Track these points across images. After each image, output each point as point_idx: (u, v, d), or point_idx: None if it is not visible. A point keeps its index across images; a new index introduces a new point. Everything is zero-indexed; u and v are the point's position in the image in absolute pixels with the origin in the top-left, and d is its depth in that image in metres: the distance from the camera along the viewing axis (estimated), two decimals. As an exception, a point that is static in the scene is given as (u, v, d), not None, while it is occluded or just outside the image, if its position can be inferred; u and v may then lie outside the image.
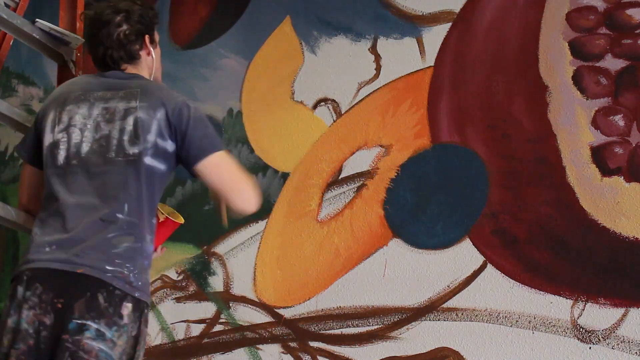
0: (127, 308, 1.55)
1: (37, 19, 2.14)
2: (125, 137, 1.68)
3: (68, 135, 1.72)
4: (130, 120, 1.68)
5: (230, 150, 2.49)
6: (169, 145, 1.69)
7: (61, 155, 1.71)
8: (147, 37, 1.84)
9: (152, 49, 1.86)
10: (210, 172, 1.70)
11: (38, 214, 1.70)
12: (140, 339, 1.59)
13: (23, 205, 1.88)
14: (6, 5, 2.17)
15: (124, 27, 1.80)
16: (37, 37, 2.12)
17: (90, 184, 1.66)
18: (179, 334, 2.39)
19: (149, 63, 1.87)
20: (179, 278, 2.47)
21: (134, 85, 1.76)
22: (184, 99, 1.75)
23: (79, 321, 1.51)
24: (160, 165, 1.68)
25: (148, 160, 1.66)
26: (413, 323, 1.95)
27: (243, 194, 1.71)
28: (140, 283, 1.58)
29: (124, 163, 1.66)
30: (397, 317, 1.99)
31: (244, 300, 2.25)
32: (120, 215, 1.61)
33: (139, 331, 1.58)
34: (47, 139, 1.74)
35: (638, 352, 1.64)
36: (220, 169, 1.70)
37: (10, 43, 2.24)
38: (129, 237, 1.60)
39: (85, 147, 1.69)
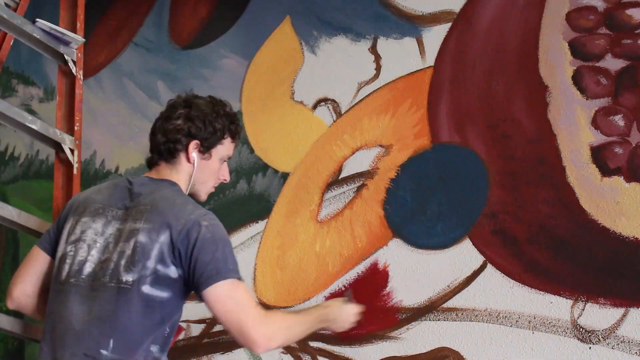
0: None
1: (37, 19, 2.14)
2: (122, 262, 1.53)
3: (75, 250, 1.59)
4: (130, 244, 1.54)
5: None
6: (172, 272, 1.53)
7: (64, 270, 1.58)
8: (194, 142, 1.67)
9: (195, 157, 1.68)
10: (211, 305, 1.52)
11: (41, 341, 1.58)
12: None
13: (12, 298, 1.69)
14: (6, 5, 2.18)
15: (179, 122, 1.67)
16: (38, 37, 2.12)
17: (80, 309, 1.53)
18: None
19: (189, 171, 1.70)
20: (179, 278, 2.47)
21: (147, 200, 1.60)
22: (197, 215, 1.56)
23: None
24: (162, 294, 1.52)
25: (146, 288, 1.50)
26: (413, 323, 1.95)
27: (244, 335, 1.49)
28: None
29: (115, 290, 1.51)
30: (397, 317, 1.99)
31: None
32: (104, 352, 1.47)
33: None
34: (60, 250, 1.62)
35: (638, 352, 1.64)
36: (221, 304, 1.51)
37: (11, 43, 2.24)
38: None
39: (87, 268, 1.56)
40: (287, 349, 2.15)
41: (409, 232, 2.03)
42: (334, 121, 2.30)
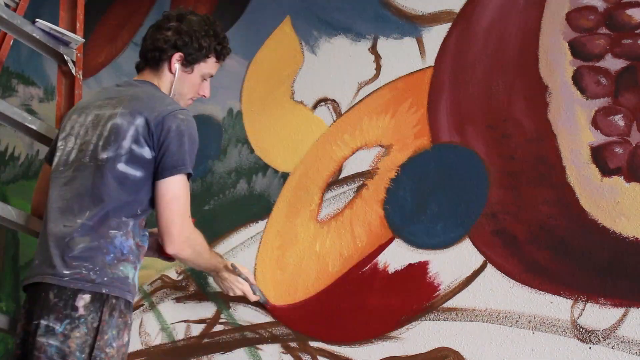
0: (82, 300, 1.55)
1: (37, 19, 2.14)
2: (100, 142, 1.67)
3: (65, 143, 1.75)
4: (108, 126, 1.68)
5: (226, 151, 2.49)
6: (146, 152, 1.65)
7: (55, 162, 1.75)
8: (178, 54, 1.78)
9: (177, 68, 1.79)
10: (159, 195, 1.65)
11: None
12: (104, 329, 1.56)
13: (34, 209, 1.94)
14: (6, 5, 2.18)
15: (168, 33, 1.79)
16: (37, 37, 2.13)
17: (65, 188, 1.67)
18: (179, 334, 2.39)
19: (170, 80, 1.81)
20: (179, 278, 2.47)
21: (129, 92, 1.75)
22: (174, 108, 1.70)
23: (35, 322, 1.56)
24: (135, 172, 1.65)
25: (121, 166, 1.64)
26: (413, 323, 1.95)
27: (168, 231, 1.66)
28: (106, 278, 1.58)
29: (93, 168, 1.65)
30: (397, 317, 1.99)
31: (244, 300, 2.25)
32: (79, 220, 1.61)
33: (100, 321, 1.56)
34: (58, 147, 1.79)
35: (638, 352, 1.63)
36: (166, 200, 1.65)
37: (11, 43, 2.24)
38: (84, 237, 1.59)
39: (72, 155, 1.72)
40: (287, 349, 2.15)
41: (409, 232, 2.03)
42: (334, 121, 2.30)
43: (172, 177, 1.65)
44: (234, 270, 2.02)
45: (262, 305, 2.19)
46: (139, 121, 1.66)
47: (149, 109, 1.68)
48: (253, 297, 2.10)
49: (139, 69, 1.86)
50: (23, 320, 1.61)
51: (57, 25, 2.23)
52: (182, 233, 1.68)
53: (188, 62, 1.81)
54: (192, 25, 1.79)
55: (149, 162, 1.66)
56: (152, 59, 1.81)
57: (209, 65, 1.86)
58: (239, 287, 2.04)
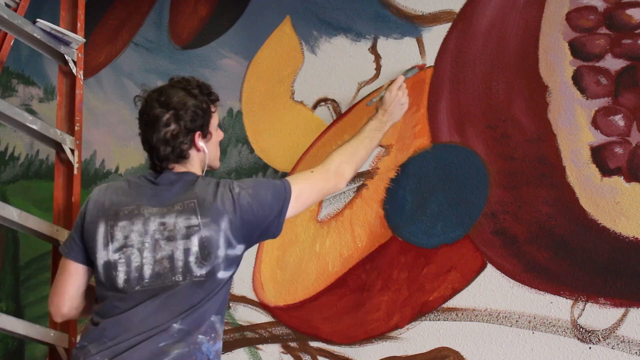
0: None
1: (37, 19, 2.14)
2: (192, 259, 1.60)
3: (126, 256, 1.63)
4: (195, 240, 1.61)
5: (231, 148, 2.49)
6: (238, 250, 1.65)
7: (120, 278, 1.63)
8: (197, 134, 1.72)
9: (203, 145, 1.74)
10: (300, 206, 1.77)
11: (93, 318, 1.66)
12: None
13: (62, 315, 1.76)
14: (7, 5, 2.18)
15: (172, 127, 1.69)
16: (38, 37, 2.13)
17: (153, 307, 1.60)
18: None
19: (201, 157, 1.76)
20: (179, 278, 2.47)
21: (188, 195, 1.66)
22: (230, 186, 1.68)
23: None
24: (229, 272, 1.65)
25: (221, 274, 1.62)
26: (413, 323, 1.95)
27: (330, 192, 1.87)
28: None
29: (189, 285, 1.60)
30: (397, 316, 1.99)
31: (244, 300, 2.25)
32: (175, 325, 1.57)
33: None
34: (101, 257, 1.65)
35: (638, 352, 1.64)
36: (303, 199, 1.77)
37: (11, 43, 2.24)
38: (179, 343, 1.56)
39: (147, 271, 1.62)
40: (287, 349, 2.15)
41: (409, 232, 2.03)
42: (334, 121, 2.30)
43: (289, 197, 1.72)
44: (382, 100, 2.04)
45: (264, 308, 2.19)
46: (224, 225, 1.63)
47: (223, 208, 1.63)
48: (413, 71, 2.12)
49: (163, 167, 1.74)
50: None
51: (58, 25, 2.23)
52: (329, 182, 1.84)
53: (205, 133, 1.75)
54: (181, 101, 1.70)
55: (240, 257, 1.68)
56: (177, 156, 1.71)
57: (215, 116, 1.81)
58: (403, 100, 2.06)
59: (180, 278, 1.60)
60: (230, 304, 2.30)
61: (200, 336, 1.58)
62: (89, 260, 1.69)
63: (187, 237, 1.61)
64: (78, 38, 2.22)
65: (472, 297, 1.88)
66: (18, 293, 2.98)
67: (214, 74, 2.64)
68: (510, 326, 1.81)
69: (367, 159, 2.04)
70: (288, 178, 1.77)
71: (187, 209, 1.63)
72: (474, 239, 1.92)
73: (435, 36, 2.15)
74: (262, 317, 2.23)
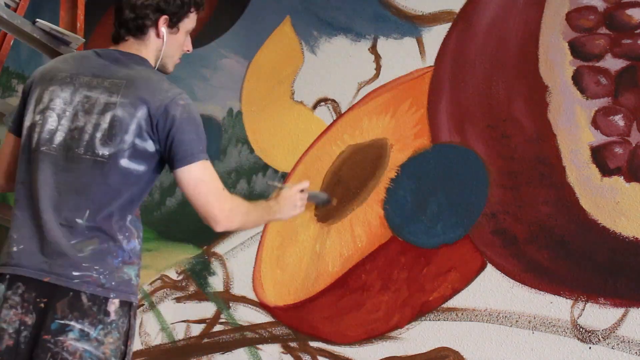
0: (113, 304, 1.52)
1: (37, 19, 2.14)
2: (98, 135, 1.57)
3: (44, 118, 1.62)
4: (107, 117, 1.57)
5: (226, 152, 2.49)
6: (149, 146, 1.59)
7: (34, 138, 1.61)
8: (163, 18, 1.70)
9: (164, 31, 1.71)
10: (183, 185, 1.61)
11: (13, 208, 1.63)
12: (131, 333, 1.55)
13: (1, 187, 1.77)
14: (6, 5, 2.18)
15: None
16: (38, 37, 2.12)
17: (55, 178, 1.57)
18: (179, 334, 2.39)
19: (158, 46, 1.73)
20: (179, 278, 2.47)
21: (121, 74, 1.64)
22: (174, 94, 1.62)
23: (61, 321, 1.47)
24: (138, 167, 1.59)
25: (124, 162, 1.56)
26: (413, 323, 1.95)
27: (208, 213, 1.61)
28: (113, 283, 1.53)
29: (91, 163, 1.56)
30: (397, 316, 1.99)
31: (244, 300, 2.25)
32: (79, 221, 1.53)
33: (129, 325, 1.55)
34: (28, 119, 1.65)
35: (638, 352, 1.64)
36: (192, 186, 1.61)
37: (11, 43, 2.24)
38: (91, 240, 1.53)
39: (58, 137, 1.59)
40: (287, 349, 2.15)
41: (409, 232, 2.03)
42: (334, 121, 2.30)
43: (190, 165, 1.60)
44: (280, 192, 1.91)
45: (264, 308, 2.19)
46: (141, 113, 1.57)
47: (149, 98, 1.59)
48: (321, 199, 2.06)
49: (119, 39, 1.73)
50: (24, 310, 1.49)
51: (58, 25, 2.23)
52: (222, 210, 1.63)
53: (173, 23, 1.73)
54: None
55: (152, 155, 1.60)
56: (136, 27, 1.70)
57: (191, 20, 1.78)
58: (293, 197, 1.91)
59: (82, 151, 1.57)
60: (230, 304, 2.30)
61: (117, 234, 1.55)
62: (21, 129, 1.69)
63: (102, 113, 1.58)
64: (78, 38, 2.22)
65: (472, 297, 1.88)
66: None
67: (214, 74, 2.64)
68: (510, 326, 1.81)
69: (248, 229, 2.01)
70: (206, 161, 1.63)
71: (113, 87, 1.61)
72: (474, 239, 1.92)
73: (435, 36, 2.15)
74: (262, 317, 2.23)
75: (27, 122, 1.64)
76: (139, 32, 1.70)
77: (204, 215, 1.63)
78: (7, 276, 1.53)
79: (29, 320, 1.49)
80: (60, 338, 1.46)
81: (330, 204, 2.11)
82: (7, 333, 1.49)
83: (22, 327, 1.49)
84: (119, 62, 1.68)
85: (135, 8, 1.69)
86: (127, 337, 1.54)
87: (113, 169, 1.56)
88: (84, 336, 1.48)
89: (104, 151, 1.56)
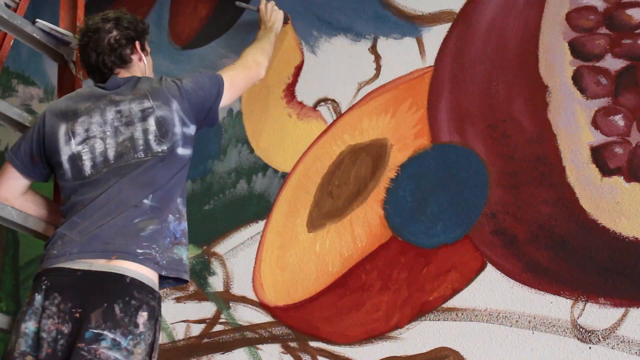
0: (142, 317, 1.60)
1: (37, 19, 2.14)
2: (151, 137, 1.75)
3: (90, 146, 1.77)
4: (151, 121, 1.77)
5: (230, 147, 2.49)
6: (192, 130, 1.83)
7: (87, 165, 1.76)
8: (137, 43, 1.93)
9: (143, 55, 1.95)
10: (231, 94, 1.97)
11: (63, 219, 1.75)
12: (155, 346, 1.63)
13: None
14: (6, 5, 2.18)
15: (114, 32, 1.89)
16: (38, 37, 2.13)
17: (119, 185, 1.71)
18: (179, 334, 2.39)
19: (142, 68, 1.95)
20: (179, 278, 2.47)
21: (138, 87, 1.84)
22: (172, 80, 1.87)
23: (95, 330, 1.55)
24: (187, 151, 1.80)
25: (180, 150, 1.78)
26: (413, 323, 1.95)
27: (253, 80, 2.10)
28: (165, 262, 1.67)
29: (153, 161, 1.74)
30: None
31: (244, 300, 2.25)
32: (145, 201, 1.69)
33: (154, 338, 1.63)
34: (65, 152, 1.79)
35: (638, 352, 1.64)
36: (234, 85, 1.98)
37: (11, 43, 2.24)
38: (152, 220, 1.68)
39: (111, 153, 1.75)
40: (287, 349, 2.15)
41: (409, 232, 2.03)
42: (334, 121, 2.30)
43: (221, 84, 1.93)
44: (259, 15, 2.36)
45: (264, 308, 2.19)
46: (175, 106, 1.79)
47: (169, 94, 1.81)
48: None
49: (109, 74, 1.91)
50: (60, 320, 1.57)
51: (57, 25, 2.23)
52: (258, 70, 2.10)
53: (142, 46, 1.97)
54: (118, 16, 1.93)
55: (194, 138, 1.84)
56: (121, 60, 1.90)
57: (146, 42, 2.02)
58: (276, 8, 2.37)
59: (142, 155, 1.74)
60: (230, 304, 2.30)
61: (170, 215, 1.72)
62: (30, 172, 1.87)
63: (144, 119, 1.77)
64: (78, 38, 2.22)
65: (472, 297, 1.88)
66: (18, 293, 2.98)
67: (214, 74, 2.64)
68: (510, 326, 1.81)
69: (272, 51, 2.26)
70: (220, 74, 1.98)
71: (138, 96, 1.80)
72: (474, 239, 1.92)
73: (435, 36, 2.15)
74: (262, 317, 2.23)
75: (64, 156, 1.79)
76: (124, 62, 1.91)
77: (253, 82, 2.12)
78: (43, 286, 1.62)
79: (65, 329, 1.57)
80: (94, 346, 1.54)
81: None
82: (47, 341, 1.57)
83: (59, 336, 1.57)
84: (123, 84, 1.87)
85: (112, 48, 1.89)
86: (152, 349, 1.62)
87: (173, 158, 1.76)
88: (115, 345, 1.55)
89: (162, 148, 1.76)
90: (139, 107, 1.78)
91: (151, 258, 1.64)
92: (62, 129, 1.80)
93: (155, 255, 1.65)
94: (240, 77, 2.02)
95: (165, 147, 1.75)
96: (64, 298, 1.59)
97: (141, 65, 1.95)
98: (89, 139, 1.77)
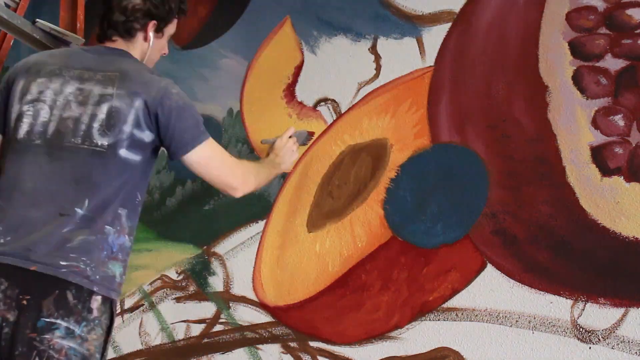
0: (96, 301, 1.52)
1: (37, 19, 2.14)
2: (95, 125, 1.59)
3: (35, 110, 1.63)
4: (104, 108, 1.60)
5: (228, 146, 2.49)
6: (146, 136, 1.63)
7: (23, 129, 1.62)
8: (152, 23, 1.77)
9: (151, 36, 1.77)
10: (195, 167, 1.69)
11: None
12: (111, 329, 1.57)
13: None
14: (6, 5, 2.18)
15: (138, 0, 1.74)
16: (38, 37, 2.13)
17: (49, 168, 1.58)
18: (179, 334, 2.39)
19: (144, 48, 1.79)
20: (179, 278, 2.47)
21: (113, 68, 1.66)
22: (166, 84, 1.67)
23: (47, 319, 1.47)
24: (135, 157, 1.61)
25: (123, 152, 1.59)
26: (413, 323, 1.95)
27: (227, 185, 1.75)
28: (98, 277, 1.53)
29: (89, 153, 1.57)
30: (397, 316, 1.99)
31: (244, 300, 2.25)
32: (79, 210, 1.54)
33: (111, 321, 1.56)
34: (15, 110, 1.65)
35: (638, 352, 1.64)
36: (203, 165, 1.70)
37: (11, 43, 2.24)
38: (83, 230, 1.53)
39: (51, 127, 1.60)
40: (287, 349, 2.15)
41: (409, 232, 2.03)
42: (334, 121, 2.30)
43: (197, 148, 1.67)
44: (273, 146, 2.08)
45: (264, 308, 2.19)
46: (138, 104, 1.61)
47: (144, 90, 1.62)
48: (306, 136, 2.18)
49: (106, 38, 1.77)
50: (6, 307, 1.47)
51: (57, 25, 2.23)
52: (236, 177, 1.76)
53: (160, 28, 1.80)
54: None
55: (147, 146, 1.64)
56: (125, 30, 1.74)
57: (173, 25, 1.85)
58: (293, 148, 2.11)
59: (79, 141, 1.58)
60: (230, 304, 2.30)
61: (107, 226, 1.56)
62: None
63: (98, 104, 1.60)
64: (78, 38, 2.22)
65: (472, 297, 1.88)
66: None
67: (214, 74, 2.64)
68: (510, 326, 1.81)
69: (265, 185, 2.03)
70: (208, 139, 1.71)
71: (107, 79, 1.63)
72: (474, 239, 1.92)
73: (435, 36, 2.15)
74: (262, 317, 2.23)
75: (13, 114, 1.64)
76: (128, 34, 1.75)
77: (221, 187, 1.75)
78: None
79: (11, 317, 1.47)
80: (47, 336, 1.46)
81: (313, 136, 2.22)
82: None
83: (4, 324, 1.47)
84: (109, 56, 1.70)
85: (125, 11, 1.73)
86: (109, 333, 1.55)
87: (112, 158, 1.58)
88: (69, 334, 1.48)
89: (102, 141, 1.58)
90: (99, 91, 1.61)
91: (78, 272, 1.50)
92: (20, 84, 1.67)
93: (85, 268, 1.51)
94: (220, 168, 1.73)
95: (105, 142, 1.57)
96: (11, 284, 1.48)
97: (144, 45, 1.78)
98: (37, 101, 1.62)
